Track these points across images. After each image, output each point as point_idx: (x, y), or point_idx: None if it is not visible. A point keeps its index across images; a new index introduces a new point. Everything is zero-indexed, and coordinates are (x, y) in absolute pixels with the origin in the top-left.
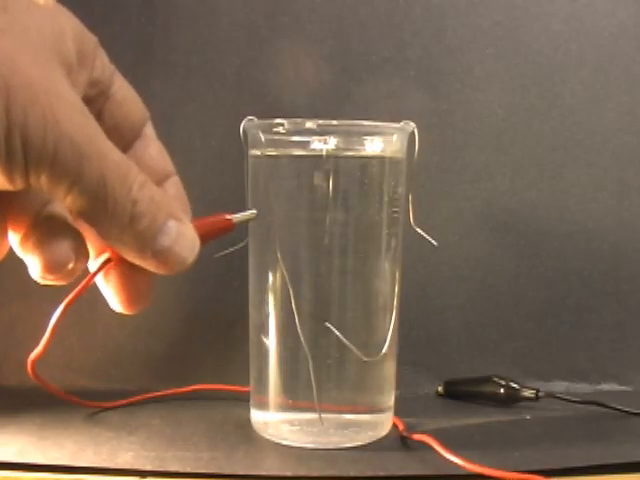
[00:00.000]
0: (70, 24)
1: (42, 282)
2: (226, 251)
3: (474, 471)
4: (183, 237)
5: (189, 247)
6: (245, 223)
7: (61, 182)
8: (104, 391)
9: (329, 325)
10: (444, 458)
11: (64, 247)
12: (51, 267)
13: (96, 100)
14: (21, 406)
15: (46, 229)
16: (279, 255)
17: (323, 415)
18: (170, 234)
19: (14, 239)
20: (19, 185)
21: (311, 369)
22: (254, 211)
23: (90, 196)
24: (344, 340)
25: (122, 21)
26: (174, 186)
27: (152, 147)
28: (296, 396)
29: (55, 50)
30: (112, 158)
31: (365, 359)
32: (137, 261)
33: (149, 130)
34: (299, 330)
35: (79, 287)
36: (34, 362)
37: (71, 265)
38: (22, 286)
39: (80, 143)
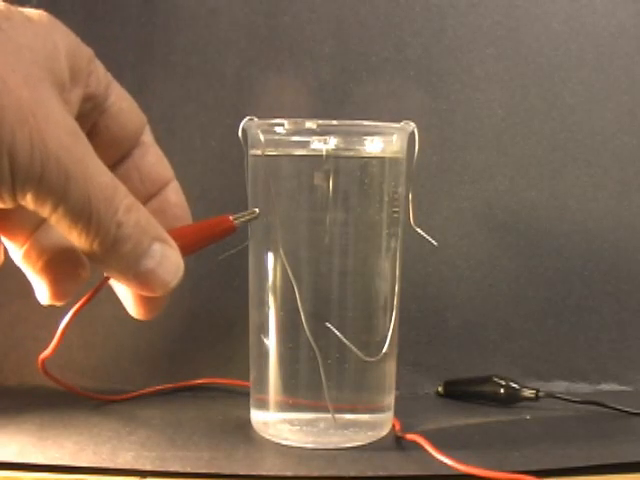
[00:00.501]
0: (64, 40)
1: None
2: (230, 252)
3: (464, 471)
4: (167, 260)
5: (172, 271)
6: (247, 223)
7: (46, 201)
8: (104, 390)
9: (329, 325)
10: (435, 458)
11: (71, 278)
12: (59, 295)
13: (91, 114)
14: (21, 406)
15: (52, 254)
16: (282, 254)
17: (323, 415)
18: (154, 257)
19: (17, 253)
20: (8, 203)
21: (321, 367)
22: (256, 210)
23: (75, 216)
24: (344, 340)
25: (122, 21)
26: (174, 193)
27: (151, 154)
28: (296, 396)
29: (47, 69)
30: (99, 180)
31: (365, 359)
32: (120, 282)
33: (147, 137)
34: (306, 329)
35: (87, 295)
36: (44, 361)
37: (76, 289)
38: (22, 286)
39: (67, 163)
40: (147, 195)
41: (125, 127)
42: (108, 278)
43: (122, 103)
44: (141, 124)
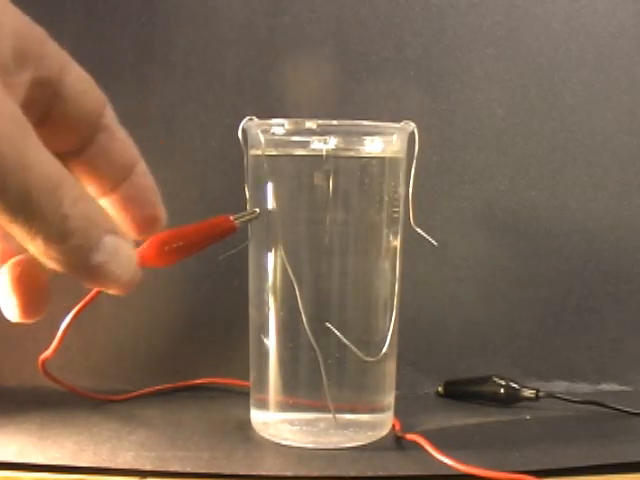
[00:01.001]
0: (11, 21)
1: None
2: (230, 252)
3: (464, 471)
4: (118, 254)
5: (124, 264)
6: (248, 222)
7: None
8: (104, 390)
9: (329, 325)
10: (435, 458)
11: (44, 294)
12: (30, 312)
13: (43, 99)
14: (21, 406)
15: (23, 267)
16: (283, 254)
17: (323, 415)
18: (105, 251)
19: None
20: None
21: (322, 367)
22: (256, 210)
23: (14, 211)
24: (344, 340)
25: (122, 21)
26: (144, 176)
27: (116, 137)
28: (296, 396)
29: None
30: (40, 170)
31: (365, 359)
32: (73, 277)
33: (109, 118)
34: (307, 329)
35: (88, 297)
36: (44, 362)
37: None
38: None
39: (3, 153)
40: (116, 181)
41: (84, 110)
42: None
43: (79, 85)
44: (101, 105)
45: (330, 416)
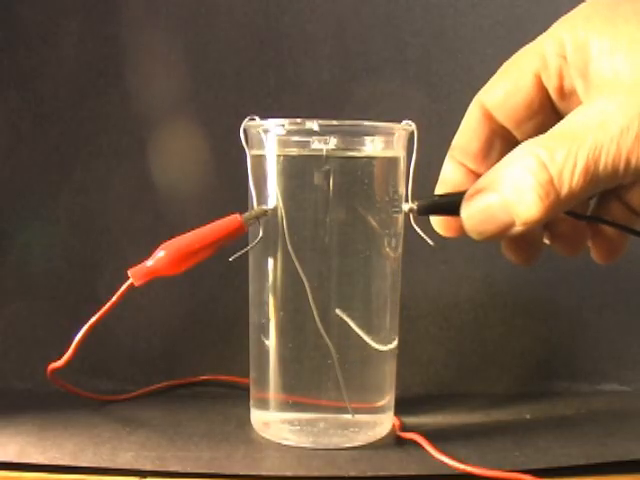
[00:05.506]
0: None
1: None
2: (238, 253)
3: (463, 471)
4: None
5: None
6: (256, 220)
7: None
8: (104, 390)
9: (339, 312)
10: (435, 458)
11: None
12: None
13: None
14: (21, 406)
15: None
16: (291, 252)
17: (323, 415)
18: None
19: None
20: None
21: (337, 364)
22: (264, 207)
23: None
24: (356, 329)
25: (122, 21)
26: None
27: None
28: (296, 396)
29: None
30: None
31: (376, 346)
32: None
33: None
34: (319, 326)
35: (103, 309)
36: (53, 370)
37: None
38: (22, 285)
39: None
40: None
41: None
42: (125, 290)
43: None
44: None
45: (330, 416)
